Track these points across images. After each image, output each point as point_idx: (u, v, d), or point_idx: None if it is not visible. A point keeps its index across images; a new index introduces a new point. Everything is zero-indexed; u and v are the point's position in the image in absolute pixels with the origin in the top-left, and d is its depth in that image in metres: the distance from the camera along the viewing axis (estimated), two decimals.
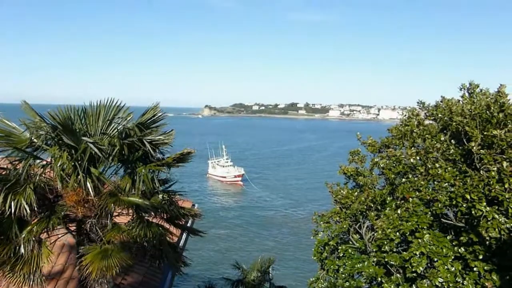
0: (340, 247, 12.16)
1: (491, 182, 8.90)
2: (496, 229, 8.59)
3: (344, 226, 12.46)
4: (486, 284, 8.80)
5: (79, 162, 6.35)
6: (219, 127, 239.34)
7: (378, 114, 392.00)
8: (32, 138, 6.62)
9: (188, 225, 10.93)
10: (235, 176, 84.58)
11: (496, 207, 8.83)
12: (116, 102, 7.33)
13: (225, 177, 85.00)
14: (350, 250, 11.84)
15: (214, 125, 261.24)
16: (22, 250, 6.43)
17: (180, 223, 8.37)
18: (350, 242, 12.38)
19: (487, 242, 8.83)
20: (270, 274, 19.12)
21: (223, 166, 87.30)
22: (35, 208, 6.26)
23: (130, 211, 7.27)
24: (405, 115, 12.88)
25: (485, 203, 8.88)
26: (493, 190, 8.83)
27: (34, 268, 6.51)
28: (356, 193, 12.40)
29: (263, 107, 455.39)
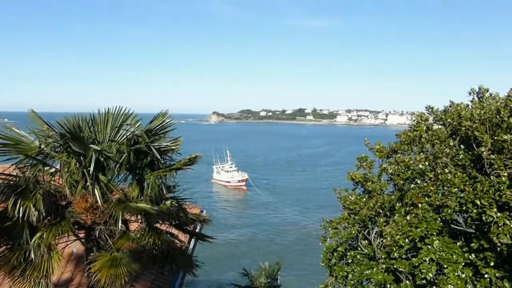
0: (348, 253, 12.07)
1: (502, 188, 8.80)
2: (508, 235, 8.48)
3: (353, 232, 12.38)
4: None
5: (88, 169, 6.38)
6: (228, 134, 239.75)
7: (386, 119, 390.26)
8: (41, 146, 6.68)
9: (197, 231, 10.93)
10: (239, 181, 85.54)
11: (507, 213, 8.72)
12: (124, 110, 7.38)
13: (229, 182, 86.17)
14: (358, 257, 11.75)
15: (223, 132, 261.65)
16: (32, 256, 6.47)
17: (189, 229, 8.37)
18: (359, 248, 12.29)
19: (498, 249, 8.71)
20: (278, 280, 19.04)
21: (228, 171, 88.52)
22: (44, 214, 6.30)
23: (139, 218, 7.28)
24: (414, 120, 12.80)
25: (495, 209, 8.77)
26: (503, 196, 8.72)
27: (44, 274, 6.55)
28: (364, 199, 12.32)
29: (270, 113, 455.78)
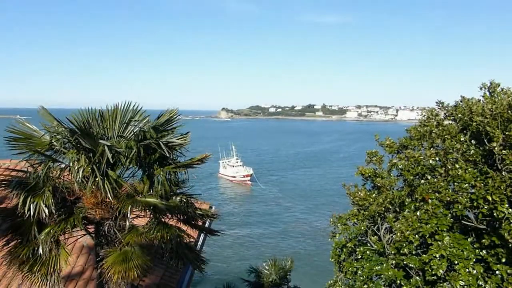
0: (358, 249, 12.02)
1: None
2: None
3: (362, 228, 12.31)
4: None
5: (97, 165, 6.43)
6: (237, 130, 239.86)
7: (396, 115, 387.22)
8: (52, 142, 6.73)
9: (206, 226, 10.98)
10: (244, 176, 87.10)
11: None
12: (133, 106, 7.40)
13: (234, 177, 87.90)
14: (368, 252, 11.70)
15: (233, 128, 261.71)
16: (41, 251, 6.55)
17: (198, 224, 8.40)
18: (368, 244, 12.23)
19: (510, 245, 8.62)
20: (288, 276, 19.02)
21: (233, 166, 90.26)
22: (53, 211, 6.36)
23: (148, 212, 7.33)
24: (424, 116, 12.69)
25: (507, 205, 8.67)
26: None
27: (52, 269, 6.62)
28: (374, 195, 12.24)
29: (280, 109, 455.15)
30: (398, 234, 10.22)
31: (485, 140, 10.10)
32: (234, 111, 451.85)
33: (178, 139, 7.13)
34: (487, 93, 11.65)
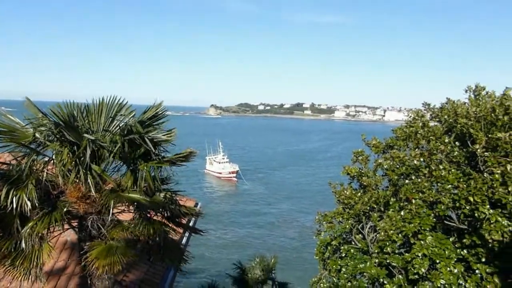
0: (342, 247, 12.13)
1: (495, 185, 8.86)
2: (499, 232, 8.55)
3: (347, 226, 12.43)
4: (488, 286, 8.77)
5: (81, 159, 6.37)
6: (226, 127, 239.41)
7: (384, 115, 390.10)
8: (36, 134, 6.64)
9: (190, 224, 10.95)
10: (230, 173, 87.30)
11: (500, 210, 8.79)
12: (119, 100, 7.34)
13: (221, 173, 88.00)
14: (352, 251, 11.81)
15: (221, 125, 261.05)
16: (23, 245, 6.47)
17: (182, 221, 8.37)
18: (353, 243, 12.35)
19: (490, 245, 8.79)
20: (273, 273, 19.11)
21: (220, 163, 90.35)
22: (37, 204, 6.29)
23: (132, 208, 7.30)
24: (410, 117, 12.84)
25: (488, 206, 8.84)
26: (496, 193, 8.79)
27: (34, 264, 6.55)
28: (359, 194, 12.36)
29: (268, 107, 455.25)
30: (382, 233, 10.34)
31: (469, 142, 10.26)
32: (223, 108, 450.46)
33: (163, 135, 7.09)
34: (472, 96, 11.82)
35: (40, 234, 6.62)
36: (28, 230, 6.46)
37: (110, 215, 6.57)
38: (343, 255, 11.95)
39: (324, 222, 13.13)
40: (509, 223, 8.58)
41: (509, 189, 8.67)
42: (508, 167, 8.82)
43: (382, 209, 11.68)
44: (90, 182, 6.34)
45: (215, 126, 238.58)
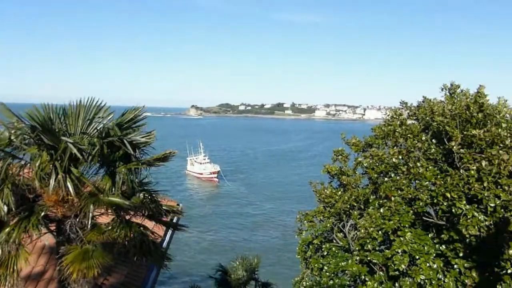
0: (324, 246, 12.23)
1: (471, 181, 9.07)
2: (476, 227, 8.76)
3: (328, 225, 12.54)
4: (466, 281, 8.97)
5: (59, 162, 6.26)
6: (207, 128, 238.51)
7: (364, 114, 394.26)
8: (11, 138, 6.50)
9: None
10: (211, 173, 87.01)
11: (476, 205, 9.00)
12: (97, 102, 7.24)
13: (202, 174, 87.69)
14: (334, 249, 11.92)
15: (202, 126, 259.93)
16: (0, 252, 6.32)
17: (163, 220, 8.31)
18: (334, 241, 12.46)
19: (467, 240, 8.99)
20: (256, 274, 19.11)
21: (201, 163, 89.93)
22: (13, 209, 6.16)
23: (110, 211, 7.19)
24: (388, 115, 13.03)
25: (465, 202, 9.04)
26: (472, 189, 8.99)
27: (12, 270, 6.40)
28: (339, 192, 12.48)
29: (249, 107, 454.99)
30: (362, 230, 10.47)
31: (445, 140, 10.48)
32: (203, 108, 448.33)
33: (142, 137, 7.03)
34: (448, 94, 12.07)
35: (16, 241, 6.48)
36: (4, 236, 6.31)
37: (90, 218, 6.47)
38: (325, 253, 12.06)
39: (305, 221, 13.22)
40: (485, 218, 8.80)
41: (485, 184, 8.88)
42: (483, 163, 9.04)
43: (362, 207, 11.83)
44: (69, 185, 6.23)
45: (196, 127, 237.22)
